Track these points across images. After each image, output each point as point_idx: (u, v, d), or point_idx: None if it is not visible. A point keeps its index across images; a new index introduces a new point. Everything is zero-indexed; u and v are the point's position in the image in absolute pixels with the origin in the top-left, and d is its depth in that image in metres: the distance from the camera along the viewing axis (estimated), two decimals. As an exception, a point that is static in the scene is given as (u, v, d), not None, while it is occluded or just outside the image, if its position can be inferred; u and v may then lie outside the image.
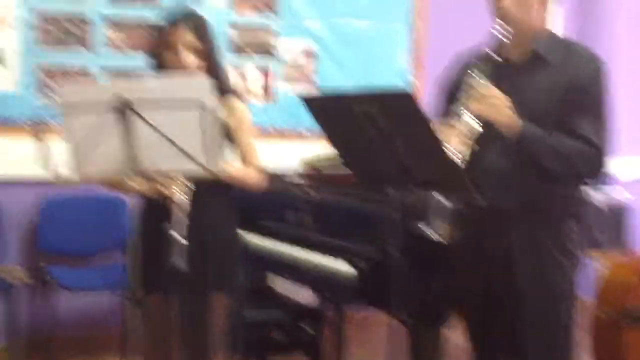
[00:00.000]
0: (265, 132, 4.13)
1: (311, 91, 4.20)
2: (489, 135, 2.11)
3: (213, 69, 2.40)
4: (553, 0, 2.26)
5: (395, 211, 2.39)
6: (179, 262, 2.14)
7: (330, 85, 4.27)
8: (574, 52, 2.20)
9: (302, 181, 3.48)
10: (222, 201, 2.50)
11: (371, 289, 2.60)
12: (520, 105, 2.11)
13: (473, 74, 2.12)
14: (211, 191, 2.39)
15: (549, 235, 2.21)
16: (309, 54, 4.27)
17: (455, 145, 2.05)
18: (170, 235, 2.15)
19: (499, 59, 2.14)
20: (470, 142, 2.08)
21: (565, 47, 2.22)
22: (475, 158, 2.14)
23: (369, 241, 2.69)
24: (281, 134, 4.22)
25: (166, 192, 2.25)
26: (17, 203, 3.73)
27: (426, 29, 4.48)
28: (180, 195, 2.23)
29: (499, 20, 2.15)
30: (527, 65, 2.21)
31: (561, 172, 2.15)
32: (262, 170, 2.51)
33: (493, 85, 2.11)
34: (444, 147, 1.96)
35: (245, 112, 2.52)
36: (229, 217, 2.55)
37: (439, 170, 1.98)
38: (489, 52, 2.14)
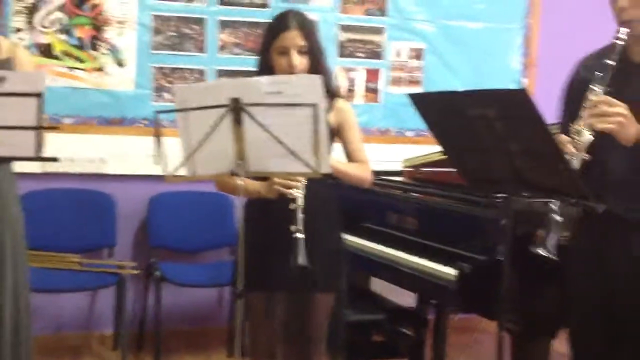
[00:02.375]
0: (369, 133, 4.13)
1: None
2: (612, 142, 2.01)
3: (321, 71, 2.42)
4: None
5: (505, 216, 2.33)
6: (303, 260, 2.18)
7: (438, 87, 4.23)
8: None
9: (405, 181, 3.46)
10: (330, 202, 2.53)
11: (476, 294, 2.54)
12: None
13: (594, 87, 2.01)
14: (321, 191, 2.41)
15: None
16: (419, 56, 4.23)
17: (573, 152, 1.98)
18: (295, 239, 2.19)
19: (613, 64, 2.03)
20: (586, 153, 1.99)
21: None
22: (597, 165, 2.06)
23: (474, 246, 2.64)
24: (385, 135, 4.21)
25: (286, 191, 2.28)
26: (131, 199, 3.87)
27: (539, 30, 4.36)
28: (299, 194, 2.26)
29: (620, 24, 2.05)
30: None
31: None
32: (369, 167, 2.52)
33: (616, 89, 2.01)
34: (561, 152, 1.89)
35: (351, 112, 2.54)
36: (336, 218, 2.57)
37: (554, 175, 1.91)
38: (608, 61, 2.03)
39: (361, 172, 2.50)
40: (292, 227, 2.22)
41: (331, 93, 2.47)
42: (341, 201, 2.61)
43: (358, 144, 2.53)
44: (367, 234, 3.13)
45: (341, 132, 2.51)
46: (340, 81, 4.09)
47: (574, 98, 2.10)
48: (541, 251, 1.96)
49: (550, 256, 1.95)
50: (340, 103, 2.52)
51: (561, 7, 4.35)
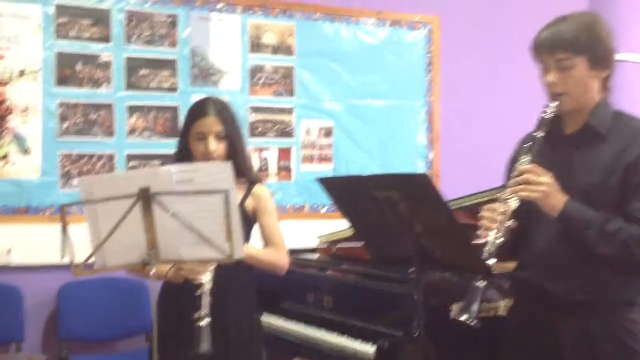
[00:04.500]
0: (283, 211, 4.15)
1: (329, 170, 4.25)
2: (541, 214, 2.04)
3: (238, 156, 2.45)
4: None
5: (417, 290, 2.37)
6: (206, 347, 2.13)
7: (349, 163, 4.32)
8: (632, 126, 2.09)
9: (320, 259, 3.48)
10: (244, 286, 2.51)
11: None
12: (574, 180, 2.04)
13: (521, 158, 2.05)
14: (233, 276, 2.40)
15: (603, 329, 2.03)
16: (328, 133, 4.32)
17: (498, 226, 1.98)
18: (198, 327, 2.15)
19: (540, 135, 2.05)
20: (513, 222, 2.00)
21: (622, 120, 2.11)
22: (526, 236, 2.09)
23: (392, 321, 2.66)
24: (299, 211, 4.24)
25: (192, 277, 2.25)
26: (39, 289, 3.74)
27: (439, 106, 4.55)
28: (206, 280, 2.24)
29: (550, 98, 2.09)
30: (581, 138, 2.10)
31: (615, 257, 1.99)
32: (285, 253, 2.52)
33: (545, 159, 2.04)
34: (463, 231, 1.94)
35: (268, 198, 2.57)
36: (251, 301, 2.55)
37: (459, 253, 1.97)
38: (535, 133, 2.06)
39: (277, 260, 2.50)
40: (196, 315, 2.18)
41: (249, 178, 2.51)
42: (258, 281, 2.60)
43: (275, 229, 2.54)
44: (285, 314, 3.12)
45: (258, 217, 2.53)
46: (254, 161, 4.12)
47: (511, 172, 2.11)
48: (463, 318, 1.94)
49: (472, 322, 1.93)
50: (258, 189, 2.54)
51: (459, 85, 4.57)
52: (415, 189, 1.95)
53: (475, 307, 1.95)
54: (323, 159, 4.31)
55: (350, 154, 4.36)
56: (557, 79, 2.06)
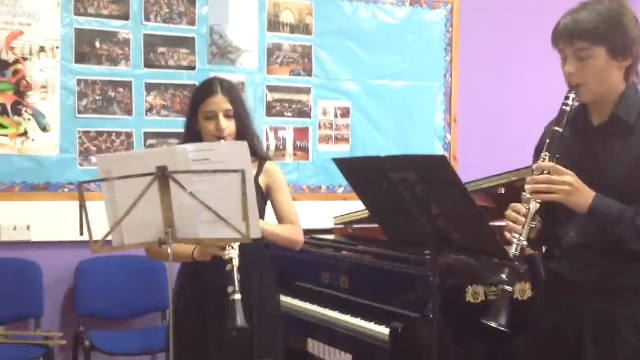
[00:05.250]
0: (300, 191, 4.15)
1: (346, 150, 4.24)
2: (567, 208, 1.99)
3: (248, 135, 2.45)
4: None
5: (433, 273, 2.37)
6: (242, 322, 2.14)
7: (366, 144, 4.31)
8: None
9: (336, 240, 3.48)
10: (265, 264, 2.53)
11: (409, 352, 2.55)
12: (603, 174, 2.00)
13: (543, 155, 1.99)
14: (255, 253, 2.41)
15: (625, 315, 2.01)
16: (345, 114, 4.31)
17: (521, 229, 1.95)
18: (232, 302, 2.16)
19: (561, 130, 2.00)
20: (538, 223, 1.98)
21: None
22: (557, 229, 2.07)
23: (407, 303, 2.66)
24: (316, 192, 4.24)
25: (221, 253, 2.26)
26: (58, 266, 3.77)
27: (458, 87, 4.52)
28: (235, 255, 2.24)
29: (569, 89, 2.03)
30: (609, 129, 2.04)
31: None
32: (300, 228, 2.54)
33: (573, 152, 2.01)
34: (481, 214, 1.92)
35: (281, 174, 2.58)
36: (274, 281, 2.58)
37: (476, 236, 1.96)
38: (555, 127, 2.01)
39: (292, 235, 2.51)
40: (229, 289, 2.19)
41: (260, 156, 2.51)
42: (273, 261, 2.61)
43: (288, 205, 2.55)
44: (301, 295, 3.12)
45: (271, 194, 2.53)
46: (270, 140, 4.12)
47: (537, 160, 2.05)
48: (493, 324, 1.94)
49: (502, 329, 1.93)
50: (269, 165, 2.54)
51: (478, 65, 4.52)
52: (433, 171, 1.93)
53: (504, 312, 1.94)
54: (340, 139, 4.30)
55: (368, 135, 4.34)
56: (575, 70, 2.00)
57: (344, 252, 3.20)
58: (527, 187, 1.97)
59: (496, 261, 1.99)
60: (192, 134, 2.48)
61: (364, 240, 3.28)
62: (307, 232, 2.63)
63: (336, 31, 4.26)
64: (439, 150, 4.46)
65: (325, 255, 3.21)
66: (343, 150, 4.26)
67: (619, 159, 2.01)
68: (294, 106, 4.20)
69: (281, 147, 4.17)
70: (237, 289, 2.18)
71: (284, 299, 3.10)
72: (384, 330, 2.60)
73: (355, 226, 3.52)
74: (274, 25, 4.14)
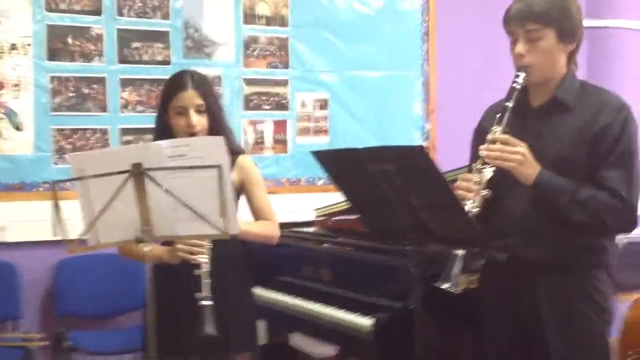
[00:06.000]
0: (280, 184, 4.13)
1: (326, 142, 4.22)
2: (513, 183, 2.08)
3: (220, 129, 2.41)
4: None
5: (414, 263, 2.36)
6: (210, 329, 2.12)
7: (345, 135, 4.28)
8: (598, 97, 2.14)
9: (317, 232, 3.46)
10: (238, 261, 2.50)
11: (393, 342, 2.55)
12: (544, 151, 2.08)
13: (493, 128, 2.10)
14: (227, 250, 2.37)
15: (577, 288, 2.12)
16: (323, 106, 4.28)
17: (474, 196, 2.03)
18: (201, 307, 2.13)
19: (510, 105, 2.11)
20: (488, 192, 2.06)
21: (588, 91, 2.17)
22: (499, 205, 2.12)
23: (389, 294, 2.65)
24: (295, 185, 4.21)
25: (189, 257, 2.23)
26: (35, 266, 3.71)
27: (436, 76, 4.50)
28: (204, 259, 2.22)
29: (517, 70, 2.15)
30: (549, 110, 2.17)
31: (586, 224, 2.06)
32: (276, 223, 2.50)
33: (515, 131, 2.08)
34: (459, 204, 1.93)
35: (254, 168, 2.55)
36: (245, 275, 2.55)
37: (456, 226, 1.95)
38: (506, 103, 2.12)
39: (268, 231, 2.48)
40: (197, 295, 2.16)
41: (233, 150, 2.47)
42: (254, 255, 2.59)
43: (263, 199, 2.52)
44: (283, 288, 3.11)
45: (245, 189, 2.50)
46: (249, 134, 4.09)
47: (480, 141, 2.16)
48: (445, 286, 2.00)
49: (454, 290, 1.99)
50: (242, 160, 2.51)
51: (455, 53, 4.51)
52: (411, 162, 1.93)
53: (454, 273, 2.00)
54: (319, 131, 4.27)
55: (346, 126, 4.31)
56: (525, 50, 2.12)
57: (324, 245, 3.18)
58: (481, 153, 2.06)
59: (475, 249, 2.01)
60: (164, 130, 2.44)
61: (344, 232, 3.27)
62: (287, 225, 2.61)
63: (312, 22, 4.23)
64: (418, 140, 4.45)
65: (306, 248, 3.19)
66: (322, 142, 4.24)
67: (560, 138, 2.11)
68: (271, 99, 4.17)
69: (260, 140, 4.14)
70: (205, 294, 2.16)
71: (266, 293, 3.08)
72: (367, 322, 2.60)
73: (334, 218, 3.51)
74: (250, 17, 4.10)
